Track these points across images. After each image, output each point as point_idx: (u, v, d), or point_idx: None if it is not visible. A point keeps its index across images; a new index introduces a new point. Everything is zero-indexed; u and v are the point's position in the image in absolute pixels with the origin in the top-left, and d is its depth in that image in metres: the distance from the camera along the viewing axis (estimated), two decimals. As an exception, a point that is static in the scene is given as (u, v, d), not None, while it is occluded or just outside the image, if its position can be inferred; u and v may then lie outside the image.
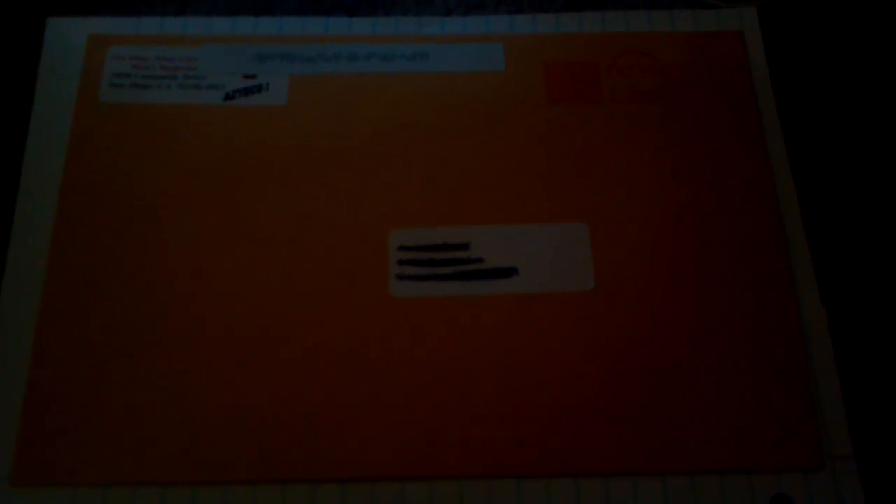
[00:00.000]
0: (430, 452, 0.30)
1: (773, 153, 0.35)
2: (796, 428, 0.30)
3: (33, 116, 0.35)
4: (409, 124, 0.35)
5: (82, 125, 0.35)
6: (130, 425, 0.30)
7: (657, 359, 0.31)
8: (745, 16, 0.38)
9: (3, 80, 0.36)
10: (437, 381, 0.31)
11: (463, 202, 0.34)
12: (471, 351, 0.31)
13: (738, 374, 0.31)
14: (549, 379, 0.31)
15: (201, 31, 0.37)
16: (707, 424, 0.30)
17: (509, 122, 0.35)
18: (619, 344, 0.31)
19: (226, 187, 0.34)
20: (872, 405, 0.31)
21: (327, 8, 0.38)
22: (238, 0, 0.38)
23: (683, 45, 0.37)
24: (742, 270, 0.33)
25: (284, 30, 0.37)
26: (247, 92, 0.36)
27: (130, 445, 0.30)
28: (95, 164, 0.34)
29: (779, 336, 0.32)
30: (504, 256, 0.33)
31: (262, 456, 0.30)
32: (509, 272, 0.32)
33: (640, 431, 0.30)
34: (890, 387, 0.32)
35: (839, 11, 0.39)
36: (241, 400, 0.30)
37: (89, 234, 0.33)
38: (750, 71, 0.36)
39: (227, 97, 0.35)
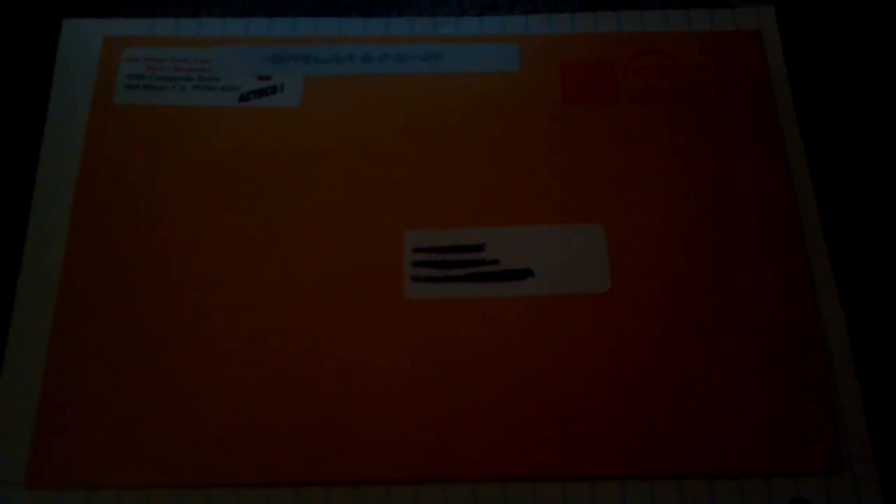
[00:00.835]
0: (445, 455, 0.30)
1: (791, 153, 0.35)
2: (815, 431, 0.30)
3: (48, 118, 0.35)
4: (424, 125, 0.35)
5: (97, 127, 0.35)
6: (144, 428, 0.30)
7: (674, 361, 0.31)
8: (763, 15, 0.38)
9: (19, 81, 0.36)
10: (452, 383, 0.30)
11: (478, 203, 0.33)
12: (485, 353, 0.31)
13: (756, 377, 0.31)
14: (565, 381, 0.30)
15: (215, 32, 0.37)
16: (725, 427, 0.30)
17: (525, 123, 0.35)
18: (635, 346, 0.31)
19: (240, 189, 0.34)
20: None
21: (341, 9, 0.38)
22: (252, 1, 0.38)
23: (700, 45, 0.36)
24: (760, 272, 0.32)
25: (298, 31, 0.37)
26: (261, 93, 0.36)
27: (144, 448, 0.29)
28: (110, 166, 0.34)
29: (798, 338, 0.31)
30: (519, 258, 0.33)
31: (276, 459, 0.29)
32: (525, 274, 0.32)
33: (658, 434, 0.30)
34: (911, 390, 0.31)
35: (858, 10, 0.38)
36: (255, 402, 0.30)
37: (104, 235, 0.33)
38: (768, 71, 0.36)
39: (242, 98, 0.35)
